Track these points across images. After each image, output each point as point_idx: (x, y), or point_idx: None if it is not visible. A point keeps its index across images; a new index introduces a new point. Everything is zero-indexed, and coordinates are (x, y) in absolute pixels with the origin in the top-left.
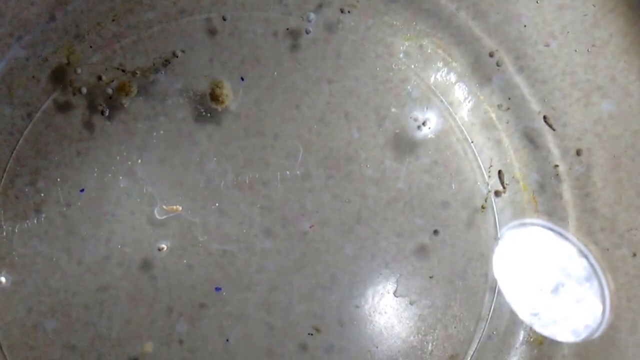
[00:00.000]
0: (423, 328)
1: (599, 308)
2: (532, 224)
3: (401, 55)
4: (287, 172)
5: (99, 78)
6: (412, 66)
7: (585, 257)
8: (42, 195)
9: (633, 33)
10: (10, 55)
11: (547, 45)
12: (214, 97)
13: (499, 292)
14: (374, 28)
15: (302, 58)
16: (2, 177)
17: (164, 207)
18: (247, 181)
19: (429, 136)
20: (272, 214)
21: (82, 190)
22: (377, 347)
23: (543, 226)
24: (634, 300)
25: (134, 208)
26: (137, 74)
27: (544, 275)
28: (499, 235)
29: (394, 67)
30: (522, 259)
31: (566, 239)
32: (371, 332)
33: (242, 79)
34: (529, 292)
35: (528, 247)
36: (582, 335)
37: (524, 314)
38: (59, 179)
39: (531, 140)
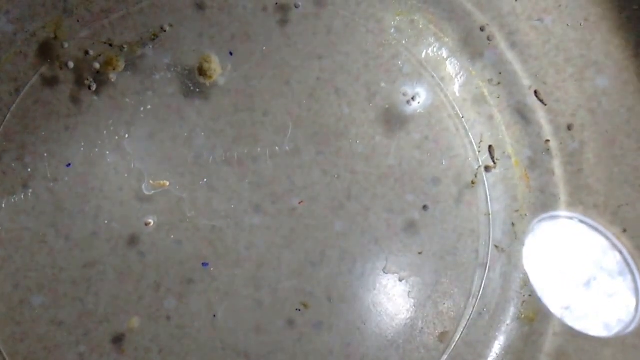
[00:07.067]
0: (413, 305)
1: (633, 302)
2: (565, 217)
3: (392, 31)
4: (277, 148)
5: (86, 53)
6: (404, 42)
7: (619, 251)
8: (30, 170)
9: (629, 8)
10: None
11: (540, 21)
12: (202, 72)
13: (490, 269)
14: (365, 3)
15: (292, 33)
16: None
17: (152, 182)
18: (236, 157)
19: (420, 112)
20: (261, 189)
21: (68, 165)
22: (365, 324)
23: (576, 219)
24: None
25: (121, 183)
26: (124, 48)
27: (576, 269)
28: (489, 212)
29: (384, 42)
30: (555, 252)
31: (599, 232)
32: (360, 309)
33: (231, 53)
34: (560, 285)
35: (560, 241)
36: (615, 329)
37: (555, 307)
38: (46, 154)
39: (523, 115)
